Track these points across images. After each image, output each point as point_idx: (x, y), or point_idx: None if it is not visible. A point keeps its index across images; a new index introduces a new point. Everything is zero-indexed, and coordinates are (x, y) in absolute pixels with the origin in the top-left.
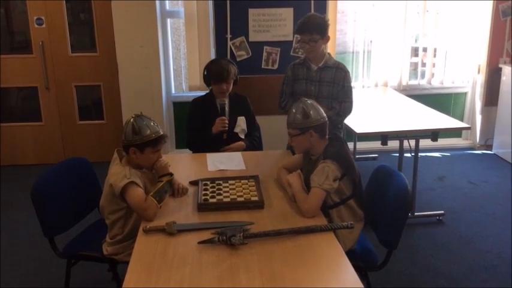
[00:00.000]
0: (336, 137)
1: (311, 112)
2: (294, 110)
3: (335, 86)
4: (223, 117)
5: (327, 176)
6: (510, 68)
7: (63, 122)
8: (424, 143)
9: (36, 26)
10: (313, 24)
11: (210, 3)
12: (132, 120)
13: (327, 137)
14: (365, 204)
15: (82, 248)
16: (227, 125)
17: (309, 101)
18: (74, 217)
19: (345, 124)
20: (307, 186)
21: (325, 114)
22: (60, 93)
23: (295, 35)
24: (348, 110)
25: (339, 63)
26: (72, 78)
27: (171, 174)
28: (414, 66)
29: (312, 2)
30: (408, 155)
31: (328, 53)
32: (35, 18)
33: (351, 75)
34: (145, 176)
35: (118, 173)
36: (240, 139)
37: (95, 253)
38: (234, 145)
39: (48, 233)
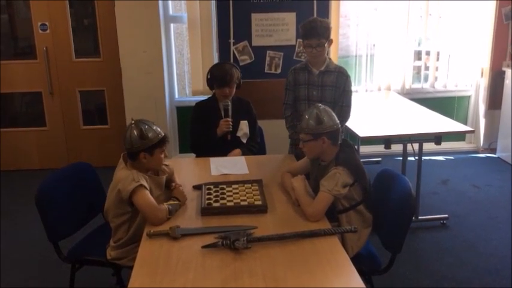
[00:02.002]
0: (346, 143)
1: (324, 118)
2: (307, 116)
3: (337, 90)
4: (227, 119)
5: (337, 183)
6: None
7: (67, 127)
8: (428, 146)
9: (40, 31)
10: (321, 29)
11: (213, 8)
12: (134, 126)
13: (338, 143)
14: (375, 210)
15: (86, 253)
16: (231, 126)
17: (322, 107)
18: (78, 222)
19: (348, 128)
20: (316, 192)
21: (338, 121)
22: (64, 98)
23: (299, 40)
24: (347, 115)
25: (340, 67)
26: (76, 83)
27: (183, 203)
28: (417, 70)
29: (315, 6)
30: (412, 158)
31: (329, 58)
32: (39, 23)
33: (353, 79)
34: (151, 180)
35: (125, 178)
36: (241, 143)
37: (99, 258)
38: (231, 154)
39: (53, 237)
